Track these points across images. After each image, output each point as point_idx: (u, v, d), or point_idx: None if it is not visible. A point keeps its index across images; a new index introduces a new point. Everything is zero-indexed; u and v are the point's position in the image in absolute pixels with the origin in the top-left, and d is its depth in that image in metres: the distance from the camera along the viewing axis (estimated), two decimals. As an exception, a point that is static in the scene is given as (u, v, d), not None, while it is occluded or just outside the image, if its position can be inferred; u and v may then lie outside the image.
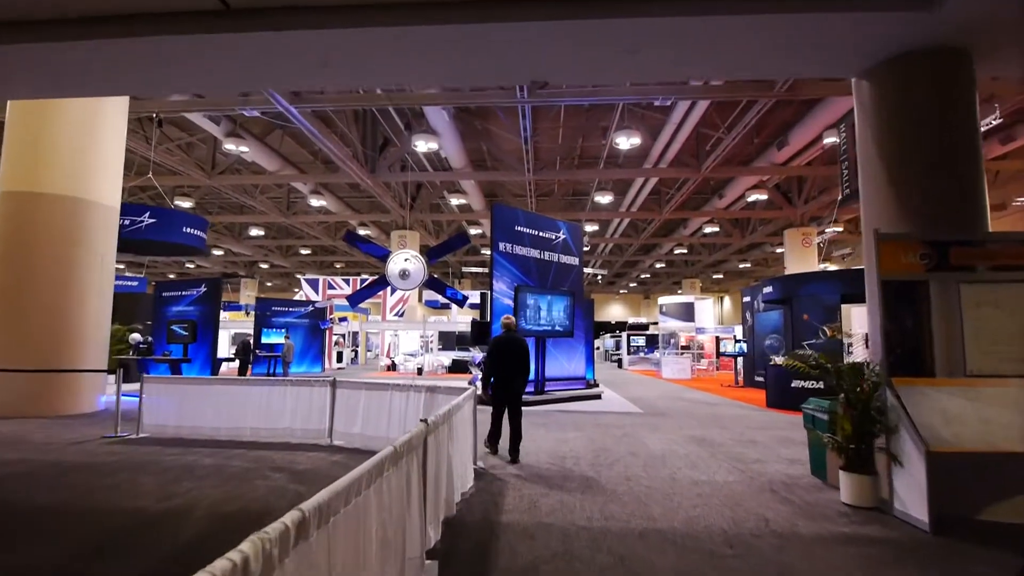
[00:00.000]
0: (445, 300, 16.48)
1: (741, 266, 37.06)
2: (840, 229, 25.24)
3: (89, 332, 10.13)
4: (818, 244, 25.30)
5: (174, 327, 12.32)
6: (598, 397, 13.22)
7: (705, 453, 7.26)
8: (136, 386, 8.24)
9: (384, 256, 15.38)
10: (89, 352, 10.09)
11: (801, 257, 25.18)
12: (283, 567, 1.40)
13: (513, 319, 7.44)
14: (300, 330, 18.75)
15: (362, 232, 28.30)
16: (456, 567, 3.62)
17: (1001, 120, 15.37)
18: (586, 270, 34.93)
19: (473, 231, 29.24)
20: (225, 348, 19.58)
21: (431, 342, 23.37)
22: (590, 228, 28.64)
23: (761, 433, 8.85)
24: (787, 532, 4.36)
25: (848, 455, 5.22)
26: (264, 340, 17.33)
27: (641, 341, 28.64)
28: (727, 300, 45.85)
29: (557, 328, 12.51)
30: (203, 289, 13.28)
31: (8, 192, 10.04)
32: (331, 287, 24.99)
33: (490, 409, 7.24)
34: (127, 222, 13.98)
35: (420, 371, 20.89)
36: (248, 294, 37.05)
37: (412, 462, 3.19)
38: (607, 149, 20.20)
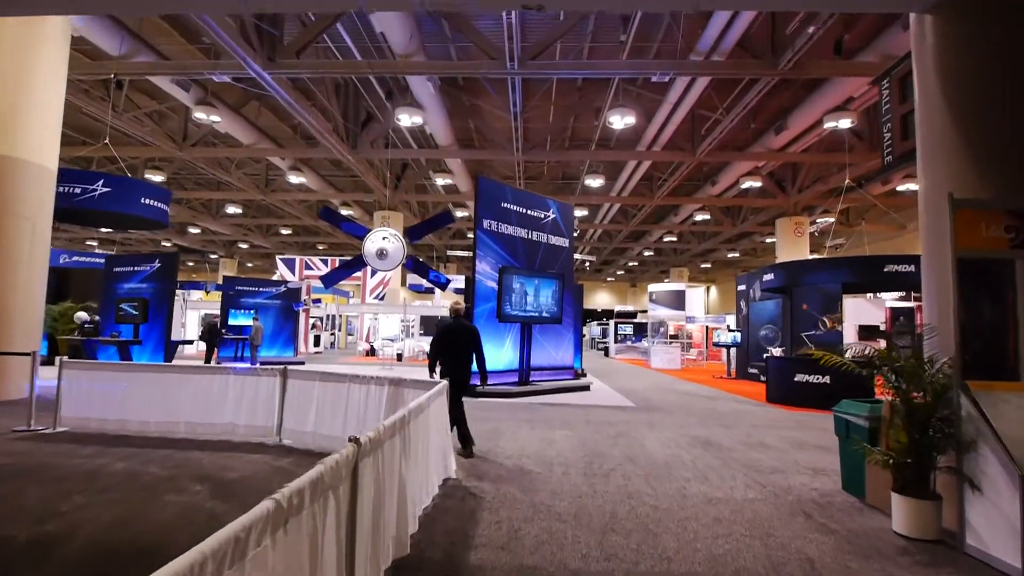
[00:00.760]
0: (429, 284, 15.25)
1: (730, 255, 36.11)
2: (833, 220, 24.30)
3: (16, 309, 8.80)
4: (812, 233, 24.37)
5: (123, 306, 10.99)
6: (587, 388, 12.14)
7: (714, 459, 6.16)
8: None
9: (363, 235, 14.10)
10: (17, 331, 8.77)
11: (793, 247, 24.27)
12: None
13: (462, 304, 6.79)
14: (271, 312, 17.40)
15: (344, 212, 26.89)
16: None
17: None
18: (575, 256, 33.87)
19: (459, 213, 27.93)
20: (195, 330, 18.19)
21: (412, 327, 22.14)
22: (579, 213, 27.48)
23: (770, 434, 7.79)
24: (846, 583, 3.27)
25: (904, 474, 4.14)
26: (232, 322, 16.00)
27: (629, 329, 27.64)
28: (714, 289, 45.05)
29: (544, 314, 11.38)
30: (156, 264, 11.92)
31: (-78, 147, 8.64)
32: (308, 268, 23.63)
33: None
34: (78, 190, 12.60)
35: (400, 357, 19.72)
36: (227, 274, 35.48)
37: (326, 508, 2.02)
38: (599, 130, 19.05)
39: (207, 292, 18.53)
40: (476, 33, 12.29)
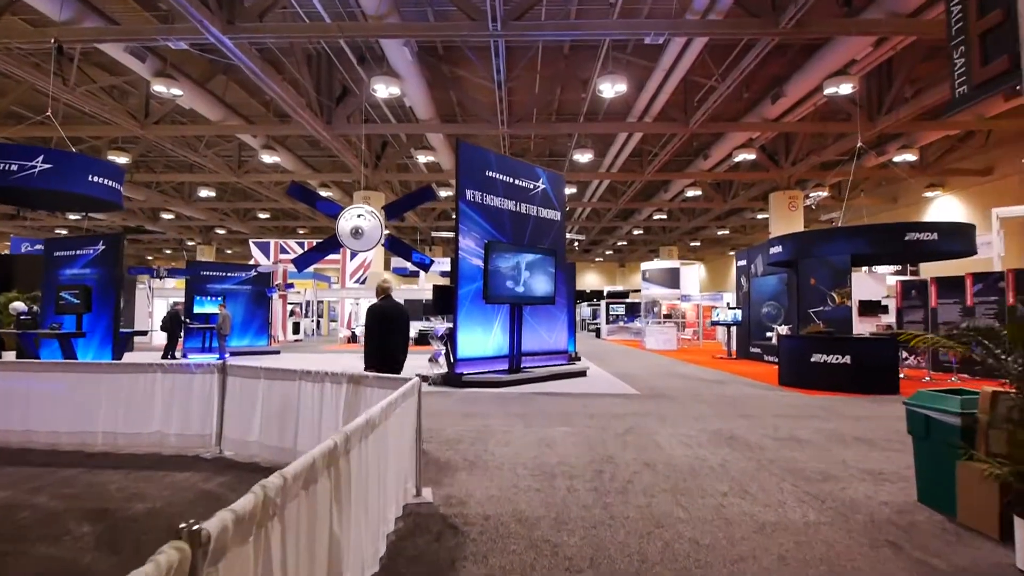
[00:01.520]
0: (413, 266, 13.97)
1: (720, 233, 35.08)
2: (826, 193, 23.29)
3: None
4: (809, 207, 23.32)
5: (63, 294, 9.59)
6: (583, 374, 10.99)
7: (746, 462, 5.03)
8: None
9: (337, 213, 12.75)
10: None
11: (787, 221, 23.22)
12: None
13: (390, 282, 5.83)
14: (241, 298, 16.02)
15: (323, 194, 25.36)
16: None
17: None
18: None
19: (443, 193, 26.53)
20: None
21: (395, 311, 20.88)
22: (567, 191, 26.22)
23: (799, 425, 6.68)
24: None
25: (1033, 493, 3.01)
26: (197, 310, 14.63)
27: (621, 310, 26.56)
28: (702, 268, 44.11)
29: (536, 294, 10.18)
30: (101, 247, 10.51)
31: None
32: (284, 251, 22.17)
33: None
34: (14, 167, 11.05)
35: (383, 343, 18.60)
36: (205, 260, 33.81)
37: None
38: (588, 101, 17.79)
39: (159, 276, 17.06)
40: (454, -11, 10.95)
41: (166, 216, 30.06)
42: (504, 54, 14.08)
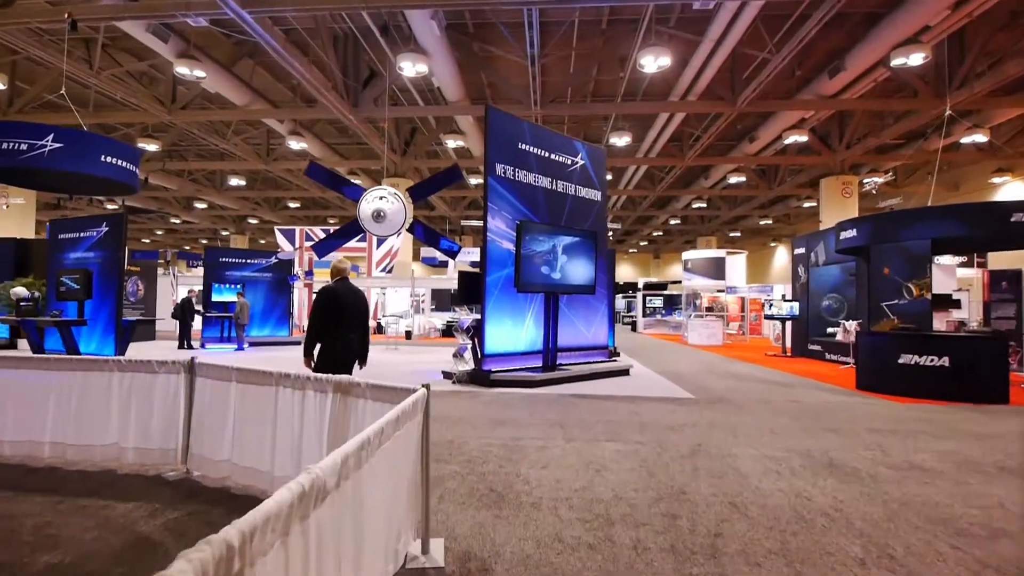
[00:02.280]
0: (441, 254, 12.85)
1: (762, 223, 32.98)
2: (888, 177, 21.21)
3: None
4: (871, 191, 21.35)
5: (64, 279, 8.73)
6: (626, 373, 9.66)
7: (868, 503, 3.67)
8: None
9: (359, 196, 11.67)
10: None
11: (840, 208, 21.32)
12: None
13: (347, 263, 5.02)
14: (261, 286, 15.13)
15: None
16: None
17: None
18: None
19: (473, 180, 25.36)
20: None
21: (423, 301, 19.81)
22: (602, 178, 24.76)
23: (910, 446, 5.25)
24: None
25: None
26: (215, 298, 13.78)
27: (658, 302, 24.98)
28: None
29: (575, 282, 8.88)
30: (104, 229, 9.65)
31: None
32: (309, 239, 21.30)
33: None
34: (24, 146, 10.33)
35: (409, 335, 17.46)
36: (223, 247, 33.35)
37: None
38: (626, 81, 16.36)
39: (166, 262, 16.28)
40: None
41: (199, 205, 29.67)
42: (538, 26, 12.79)
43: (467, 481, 3.98)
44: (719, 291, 20.01)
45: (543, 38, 14.02)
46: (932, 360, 7.68)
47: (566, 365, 9.20)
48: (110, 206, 29.73)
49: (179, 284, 16.71)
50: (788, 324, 13.84)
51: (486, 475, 4.13)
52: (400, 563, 2.61)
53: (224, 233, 36.90)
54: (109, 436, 4.14)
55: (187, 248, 44.00)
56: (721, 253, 18.50)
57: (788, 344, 13.87)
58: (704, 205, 29.23)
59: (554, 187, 9.53)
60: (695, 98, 16.65)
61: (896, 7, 12.20)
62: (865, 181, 22.69)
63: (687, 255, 19.67)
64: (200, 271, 22.31)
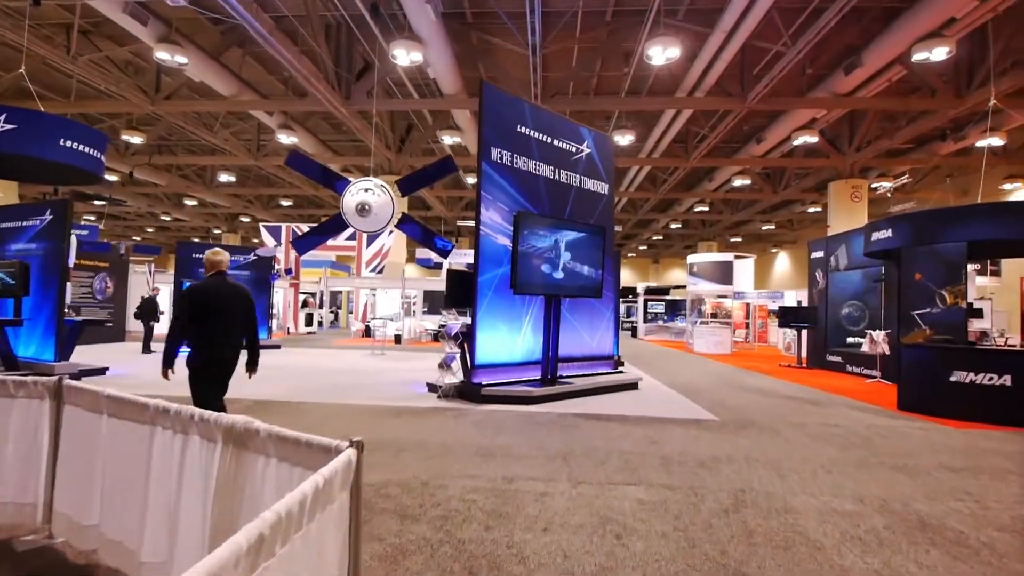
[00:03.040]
0: (435, 252, 11.69)
1: (764, 228, 31.88)
2: (905, 179, 20.11)
3: None
4: (886, 194, 20.24)
5: (-2, 273, 7.52)
6: (635, 387, 8.46)
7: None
8: None
9: (344, 189, 10.50)
10: None
11: (849, 213, 20.27)
12: None
13: (223, 255, 4.23)
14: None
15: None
16: None
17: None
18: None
19: (470, 180, 24.20)
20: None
21: (414, 304, 18.60)
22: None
23: (1009, 494, 4.07)
24: None
25: None
26: (187, 297, 12.56)
27: (660, 307, 23.82)
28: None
29: (580, 283, 7.70)
30: (48, 217, 8.46)
31: None
32: (296, 235, 20.09)
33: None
34: (-28, 128, 9.10)
35: (398, 339, 16.25)
36: (196, 242, 31.89)
37: None
38: (630, 77, 15.34)
39: (122, 255, 14.93)
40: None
41: (190, 202, 28.45)
42: (540, 12, 11.70)
43: (437, 557, 2.78)
44: (723, 296, 18.85)
45: (545, 29, 12.99)
46: (991, 379, 6.51)
47: (568, 378, 8.00)
48: (98, 202, 28.46)
49: (154, 283, 15.42)
50: (804, 333, 12.67)
51: (465, 545, 2.93)
52: None
53: (216, 231, 35.62)
54: (-53, 484, 2.94)
55: (138, 239, 41.37)
56: (729, 257, 17.36)
57: (803, 354, 12.69)
58: (706, 209, 28.12)
59: (557, 177, 8.36)
60: (703, 94, 15.59)
61: (912, 6, 11.27)
62: (879, 185, 21.62)
63: (692, 258, 18.51)
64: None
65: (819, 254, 12.64)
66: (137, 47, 14.32)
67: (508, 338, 7.58)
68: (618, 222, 32.82)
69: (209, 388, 3.92)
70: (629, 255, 46.55)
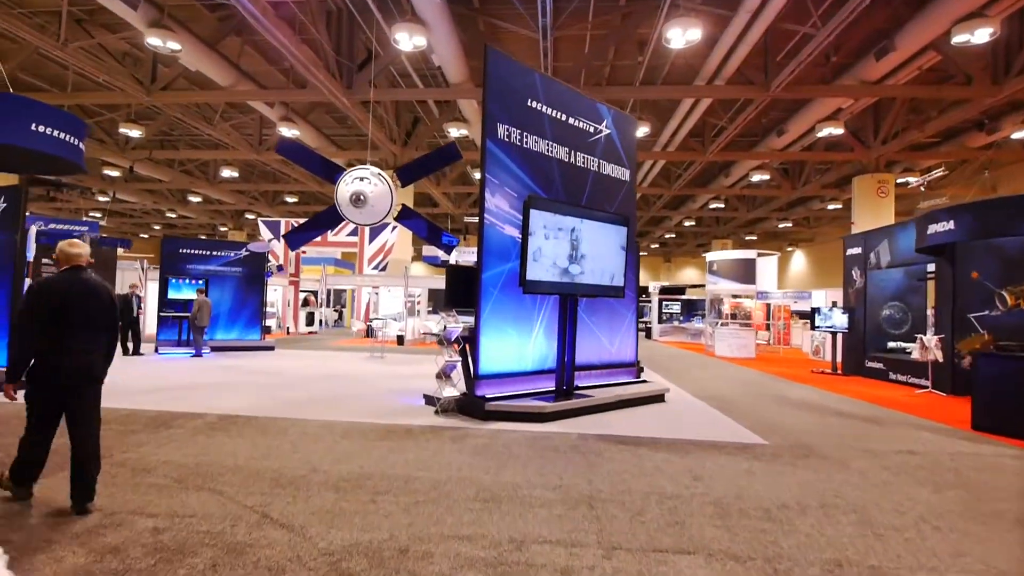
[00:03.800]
0: (441, 248, 10.65)
1: (780, 226, 30.53)
2: (941, 172, 18.75)
3: None
4: (920, 188, 18.93)
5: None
6: (661, 399, 7.33)
7: None
8: None
9: (338, 178, 9.44)
10: None
11: (873, 209, 19.00)
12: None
13: (81, 247, 3.47)
14: (229, 282, 12.84)
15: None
16: None
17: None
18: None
19: (477, 175, 23.11)
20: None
21: (418, 303, 17.54)
22: (615, 174, 22.43)
23: None
24: None
25: None
26: (173, 295, 11.54)
27: (676, 308, 22.58)
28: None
29: (600, 281, 6.58)
30: (1, 206, 7.49)
31: None
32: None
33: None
34: (-69, 111, 8.17)
35: (401, 340, 15.20)
36: (182, 236, 31.01)
37: None
38: (644, 66, 14.29)
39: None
40: None
41: (194, 199, 27.59)
42: (551, -8, 10.63)
43: None
44: (741, 297, 17.61)
45: (556, 12, 11.96)
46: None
47: (585, 389, 6.89)
48: (102, 198, 27.67)
49: (147, 279, 14.46)
50: (839, 336, 11.45)
51: None
52: None
53: (223, 228, 34.80)
54: None
55: (146, 236, 40.28)
56: (751, 254, 16.12)
57: (838, 359, 11.47)
58: (722, 205, 26.85)
59: (572, 159, 7.23)
60: (723, 82, 14.48)
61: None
62: (905, 180, 20.31)
63: (712, 256, 17.29)
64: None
65: (856, 250, 11.42)
66: (132, 34, 13.43)
67: (517, 343, 6.48)
68: (629, 220, 31.58)
69: (45, 402, 3.22)
70: (641, 253, 45.27)
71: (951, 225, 7.68)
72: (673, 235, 36.70)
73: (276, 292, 18.71)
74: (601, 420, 6.09)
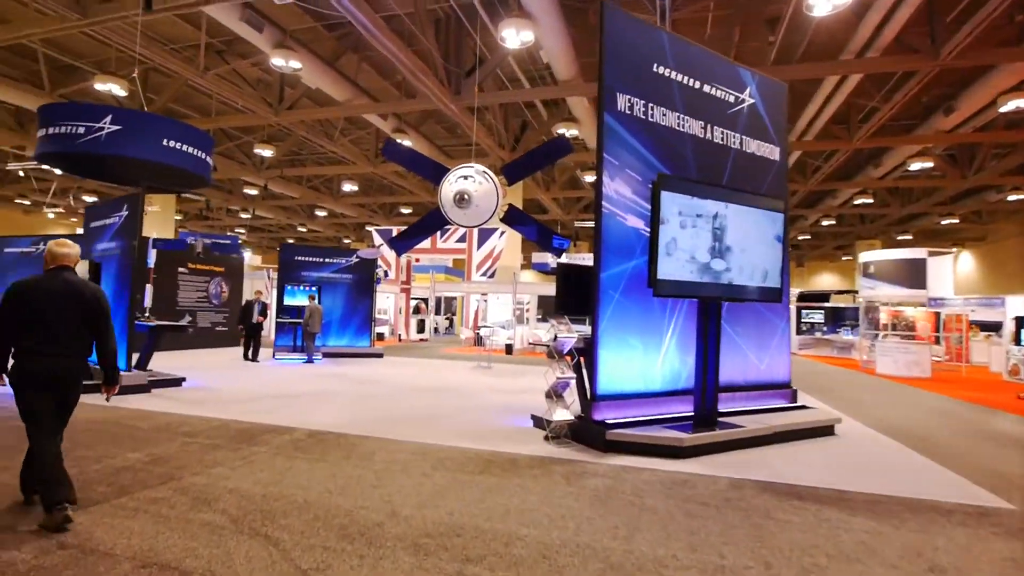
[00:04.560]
0: (553, 256, 9.74)
1: (943, 222, 25.93)
2: None
3: None
4: None
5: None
6: (830, 431, 5.71)
7: None
8: None
9: (441, 179, 8.88)
10: None
11: (1083, 196, 15.11)
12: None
13: (70, 248, 3.33)
14: (340, 289, 12.84)
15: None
16: None
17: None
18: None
19: (589, 178, 22.00)
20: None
21: (527, 310, 16.68)
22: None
23: None
24: None
25: None
26: (288, 301, 11.67)
27: (818, 316, 19.68)
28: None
29: (751, 282, 5.19)
30: (124, 214, 7.68)
31: None
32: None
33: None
34: (81, 129, 8.77)
35: (509, 349, 14.42)
36: (299, 244, 32.50)
37: None
38: (776, 47, 12.48)
39: (197, 254, 14.35)
40: None
41: (320, 213, 29.31)
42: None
43: None
44: (904, 305, 14.69)
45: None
46: None
47: (730, 415, 5.49)
48: (243, 215, 30.23)
49: (273, 287, 15.05)
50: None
51: None
52: None
53: (346, 241, 36.79)
54: None
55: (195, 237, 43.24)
56: (921, 253, 13.33)
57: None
58: (869, 201, 23.28)
59: (708, 135, 5.90)
60: (877, 54, 12.21)
61: None
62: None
63: (867, 256, 14.61)
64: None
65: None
66: (261, 58, 14.22)
67: (643, 358, 5.28)
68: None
69: (34, 399, 3.07)
70: (765, 259, 41.19)
71: None
72: (807, 236, 32.79)
73: (388, 300, 18.88)
74: (755, 458, 4.69)
